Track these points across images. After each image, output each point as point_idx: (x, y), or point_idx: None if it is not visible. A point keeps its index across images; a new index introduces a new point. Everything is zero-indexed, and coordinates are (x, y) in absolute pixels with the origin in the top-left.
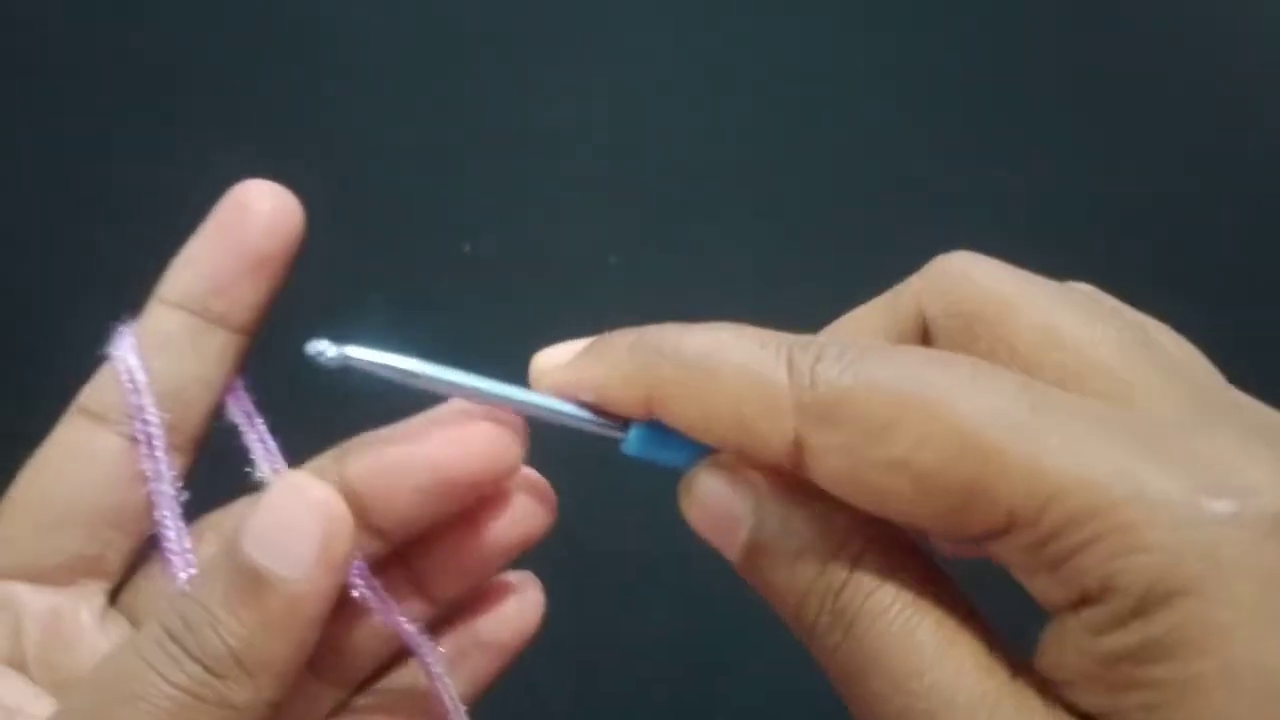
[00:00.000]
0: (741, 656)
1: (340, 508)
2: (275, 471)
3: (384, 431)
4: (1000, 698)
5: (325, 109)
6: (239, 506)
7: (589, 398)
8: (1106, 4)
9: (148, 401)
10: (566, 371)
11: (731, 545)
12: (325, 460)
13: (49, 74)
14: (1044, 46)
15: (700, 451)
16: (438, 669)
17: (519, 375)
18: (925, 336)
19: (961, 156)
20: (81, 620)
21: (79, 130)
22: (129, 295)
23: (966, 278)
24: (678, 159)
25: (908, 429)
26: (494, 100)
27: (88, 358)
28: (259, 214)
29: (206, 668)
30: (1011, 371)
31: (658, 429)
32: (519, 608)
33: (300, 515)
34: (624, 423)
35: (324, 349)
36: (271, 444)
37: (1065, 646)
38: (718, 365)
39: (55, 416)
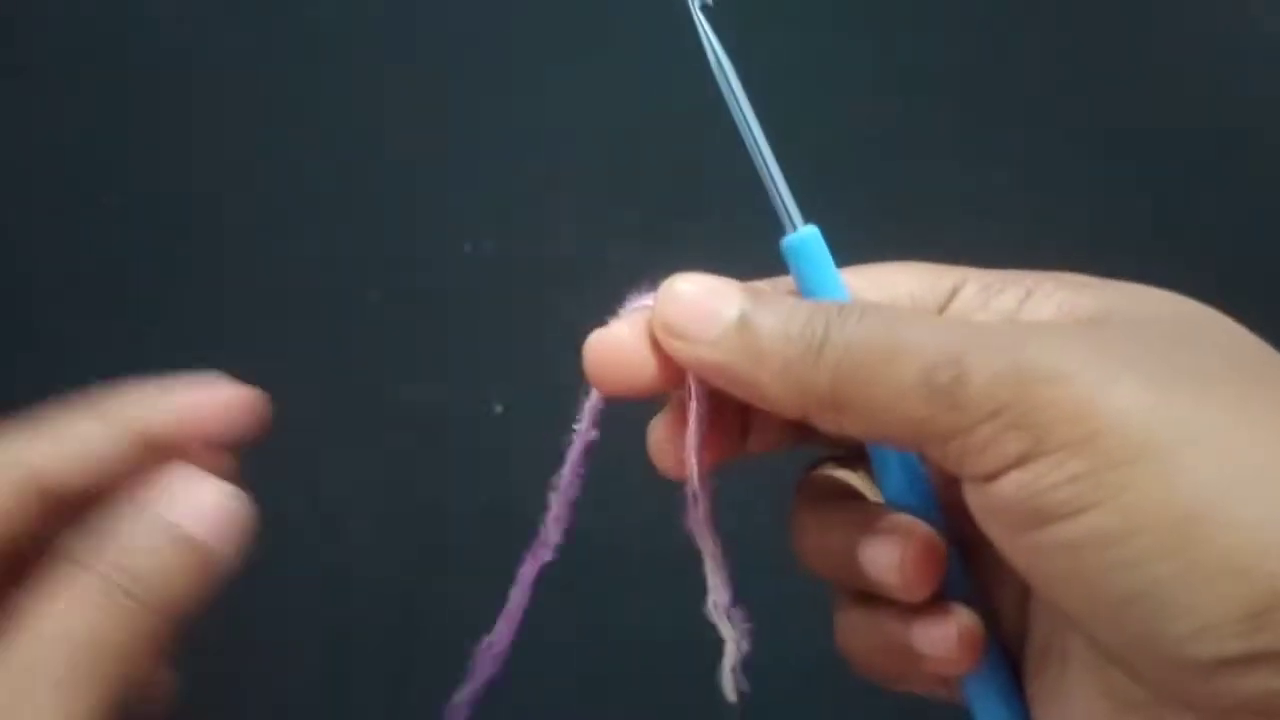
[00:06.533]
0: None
1: None
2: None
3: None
4: None
5: (325, 109)
6: None
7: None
8: (1108, 5)
9: None
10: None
11: None
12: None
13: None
14: (1045, 46)
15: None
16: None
17: (525, 378)
18: None
19: (962, 157)
20: None
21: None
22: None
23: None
24: (678, 158)
25: None
26: (494, 100)
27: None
28: None
29: None
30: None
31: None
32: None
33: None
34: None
35: None
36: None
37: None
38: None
39: None
